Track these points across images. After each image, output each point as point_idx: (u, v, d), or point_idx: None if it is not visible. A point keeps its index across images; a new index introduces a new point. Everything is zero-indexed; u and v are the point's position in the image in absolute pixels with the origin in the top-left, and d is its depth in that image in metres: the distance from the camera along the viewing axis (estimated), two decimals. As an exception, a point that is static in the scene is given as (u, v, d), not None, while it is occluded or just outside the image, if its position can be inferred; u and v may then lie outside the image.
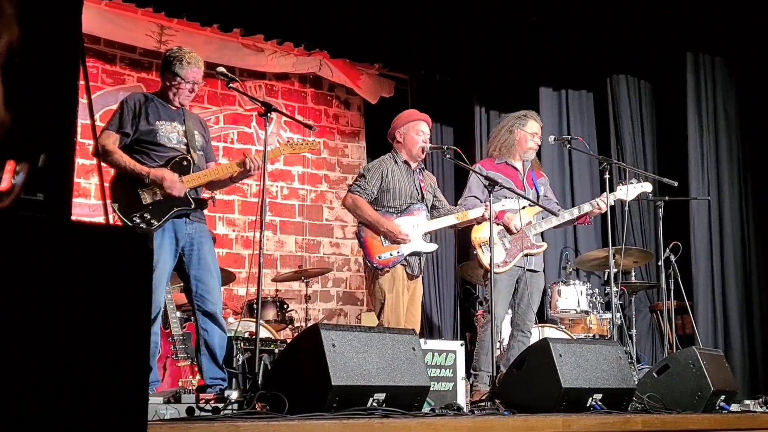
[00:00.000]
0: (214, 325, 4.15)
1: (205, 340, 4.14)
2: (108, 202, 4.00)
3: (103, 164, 4.23)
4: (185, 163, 4.16)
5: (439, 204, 4.99)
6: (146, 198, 4.03)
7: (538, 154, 5.50)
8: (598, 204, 5.06)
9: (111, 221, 3.83)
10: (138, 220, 3.98)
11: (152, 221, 4.00)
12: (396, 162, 4.83)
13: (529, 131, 5.19)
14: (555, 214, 5.05)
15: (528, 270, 5.00)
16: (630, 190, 5.07)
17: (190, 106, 4.43)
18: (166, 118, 4.18)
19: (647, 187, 5.19)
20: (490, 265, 4.41)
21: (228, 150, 7.72)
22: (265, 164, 3.86)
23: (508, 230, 5.00)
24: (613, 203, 5.05)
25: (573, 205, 7.05)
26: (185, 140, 4.20)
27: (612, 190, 5.02)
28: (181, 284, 4.49)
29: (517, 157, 5.22)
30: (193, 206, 4.15)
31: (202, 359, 4.16)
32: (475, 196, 5.04)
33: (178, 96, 4.22)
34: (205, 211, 4.34)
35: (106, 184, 4.06)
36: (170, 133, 4.17)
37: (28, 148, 1.54)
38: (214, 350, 4.13)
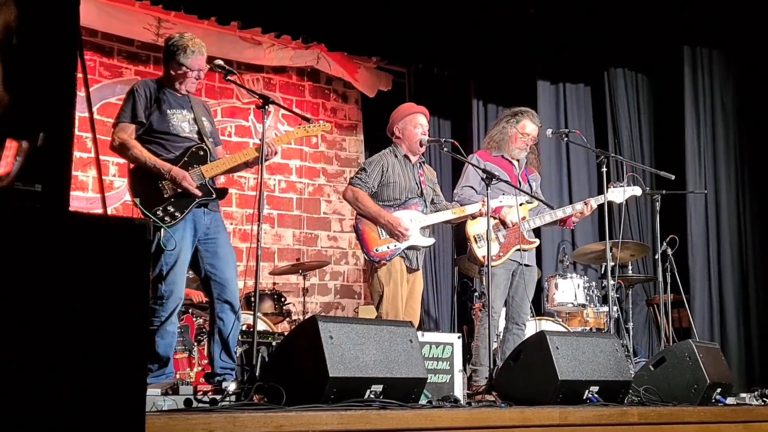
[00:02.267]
0: (232, 314, 4.11)
1: (220, 330, 4.11)
2: (104, 195, 3.98)
3: (123, 159, 4.19)
4: (201, 153, 4.12)
5: (437, 199, 4.99)
6: (167, 190, 3.98)
7: (538, 149, 5.49)
8: (590, 204, 5.07)
9: (109, 213, 3.83)
10: (161, 214, 3.93)
11: (176, 214, 3.96)
12: (396, 156, 4.82)
13: (520, 130, 5.16)
14: (551, 207, 5.06)
15: (522, 264, 5.02)
16: (621, 193, 5.08)
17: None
18: (176, 106, 4.15)
19: (637, 191, 5.22)
20: (487, 258, 4.41)
21: (226, 143, 7.67)
22: (263, 156, 3.85)
23: (503, 224, 5.01)
24: (598, 204, 5.05)
25: (570, 198, 7.09)
26: (197, 128, 4.17)
27: (609, 181, 5.02)
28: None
29: (507, 153, 5.21)
30: (214, 196, 4.13)
31: (213, 347, 4.12)
32: (471, 187, 5.04)
33: (185, 84, 4.19)
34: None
35: (105, 178, 4.05)
36: (182, 122, 4.13)
37: (27, 133, 1.54)
38: (228, 340, 4.10)
